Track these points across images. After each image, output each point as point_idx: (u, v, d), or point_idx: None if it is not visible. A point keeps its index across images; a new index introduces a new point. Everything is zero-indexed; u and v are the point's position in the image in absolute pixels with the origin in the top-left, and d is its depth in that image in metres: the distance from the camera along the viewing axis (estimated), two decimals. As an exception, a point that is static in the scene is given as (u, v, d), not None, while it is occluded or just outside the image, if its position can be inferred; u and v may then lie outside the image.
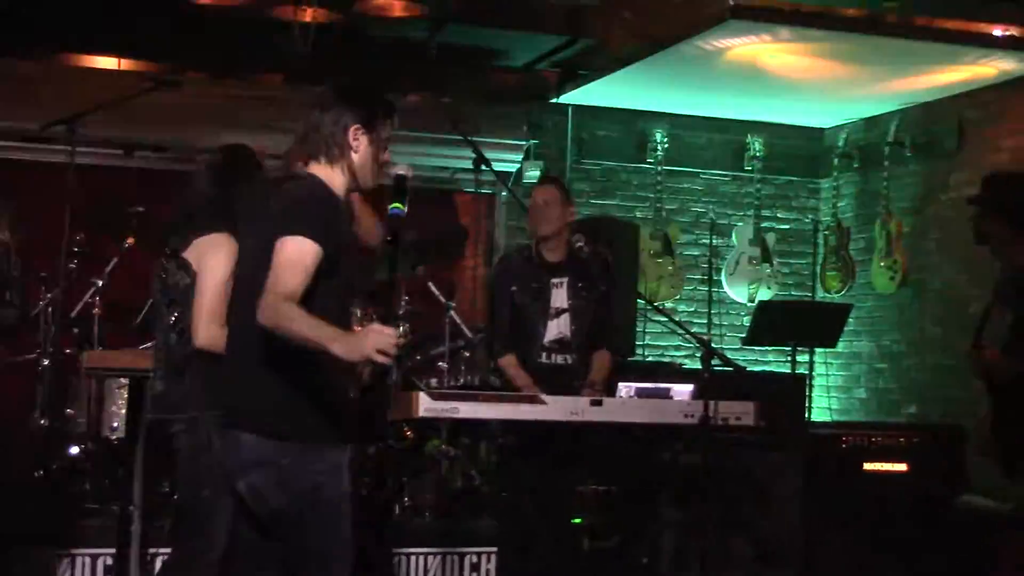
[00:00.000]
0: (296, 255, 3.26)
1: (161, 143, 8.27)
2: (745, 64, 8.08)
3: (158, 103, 7.34)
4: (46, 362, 6.68)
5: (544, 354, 5.53)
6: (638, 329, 8.91)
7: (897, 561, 6.43)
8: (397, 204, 3.35)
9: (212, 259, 4.28)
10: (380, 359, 3.08)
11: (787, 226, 10.11)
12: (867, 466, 6.63)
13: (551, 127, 9.49)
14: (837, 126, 9.90)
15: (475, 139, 6.58)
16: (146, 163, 8.44)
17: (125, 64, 8.39)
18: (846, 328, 8.31)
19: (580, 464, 5.87)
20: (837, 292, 9.60)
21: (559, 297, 5.56)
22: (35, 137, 7.13)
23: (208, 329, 4.22)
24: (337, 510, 3.46)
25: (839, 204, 9.80)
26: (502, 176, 7.91)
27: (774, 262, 9.73)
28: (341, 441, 3.41)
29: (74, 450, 6.43)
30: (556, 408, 5.12)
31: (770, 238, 9.77)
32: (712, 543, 5.84)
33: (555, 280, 5.57)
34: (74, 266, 6.85)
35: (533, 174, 9.04)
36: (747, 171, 9.82)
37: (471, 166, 6.77)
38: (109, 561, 5.56)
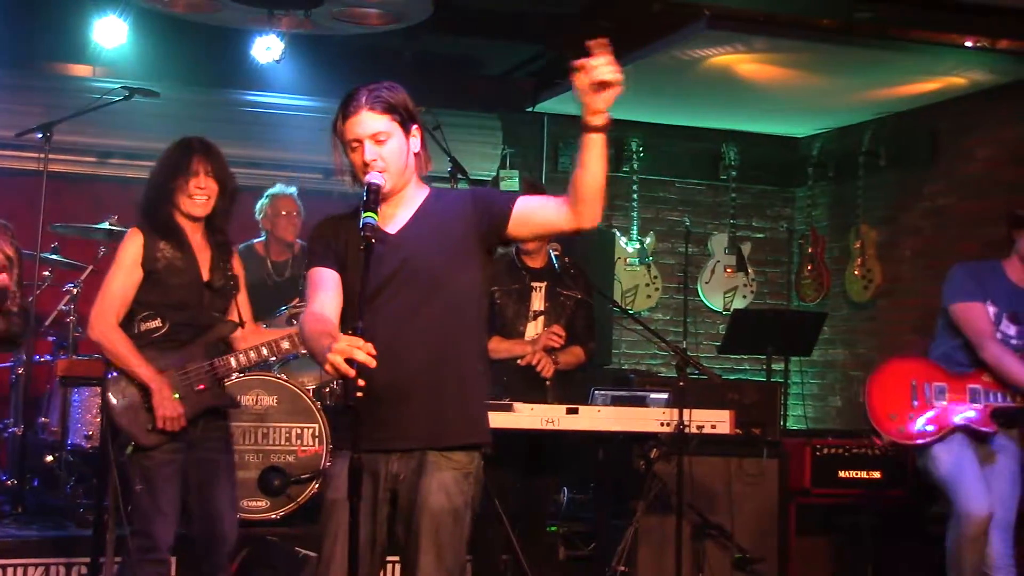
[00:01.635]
0: None
1: (135, 151, 8.23)
2: (720, 73, 8.11)
3: (133, 111, 7.35)
4: (20, 370, 6.64)
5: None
6: (614, 337, 8.95)
7: (871, 569, 6.46)
8: (370, 213, 3.31)
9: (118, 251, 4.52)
10: (340, 368, 3.08)
11: (762, 235, 10.15)
12: (842, 473, 6.67)
13: (527, 135, 9.51)
14: (812, 135, 9.95)
15: (450, 148, 6.59)
16: (120, 171, 8.40)
17: (100, 72, 8.37)
18: (821, 336, 8.38)
19: (555, 472, 5.89)
20: (812, 301, 9.65)
21: (537, 300, 5.74)
22: (10, 144, 7.11)
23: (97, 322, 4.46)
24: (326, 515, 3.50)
25: (814, 213, 9.87)
26: (478, 184, 7.92)
27: (749, 271, 9.77)
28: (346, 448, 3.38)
29: (48, 458, 6.38)
30: (531, 416, 5.15)
31: (745, 247, 9.80)
32: (688, 551, 5.85)
33: (535, 284, 5.75)
34: (48, 273, 6.83)
35: (509, 182, 9.04)
36: (722, 180, 9.86)
37: (447, 174, 6.79)
38: (84, 570, 5.53)
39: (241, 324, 4.71)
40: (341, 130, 3.51)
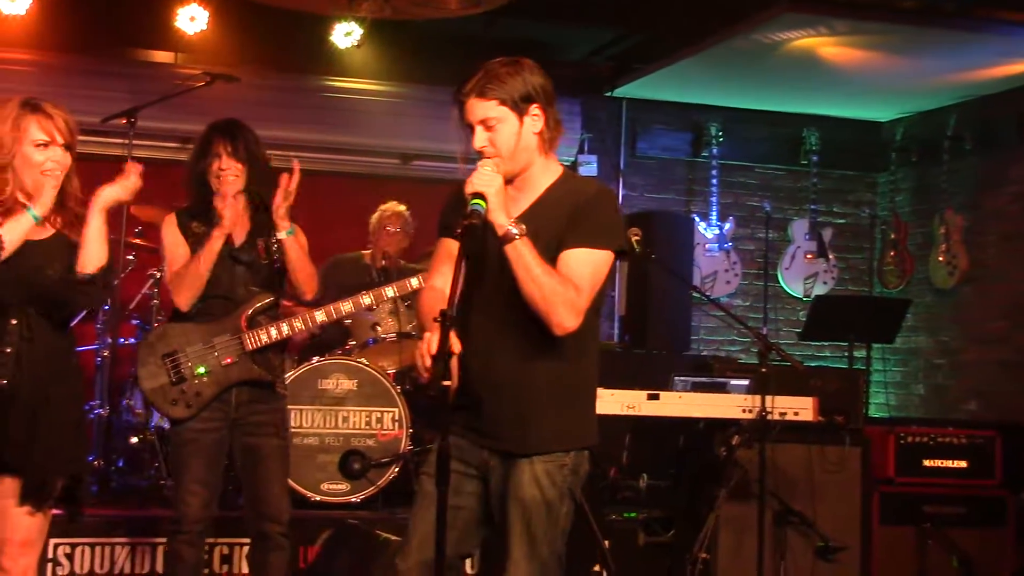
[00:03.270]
0: None
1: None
2: (801, 57, 8.02)
3: (215, 97, 7.41)
4: (105, 353, 6.74)
5: None
6: (693, 323, 8.90)
7: (957, 560, 6.36)
8: (479, 200, 3.26)
9: None
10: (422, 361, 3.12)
11: (843, 220, 10.02)
12: (927, 462, 6.57)
13: (605, 120, 9.46)
14: (895, 119, 9.80)
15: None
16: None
17: (182, 58, 8.46)
18: (904, 323, 8.25)
19: (636, 457, 5.87)
20: (894, 287, 9.51)
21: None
22: (96, 130, 7.19)
23: None
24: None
25: (896, 198, 9.72)
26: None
27: (830, 257, 9.66)
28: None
29: (133, 440, 6.48)
30: (611, 401, 5.13)
31: (826, 233, 9.69)
32: (769, 538, 5.79)
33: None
34: (132, 257, 6.92)
35: (587, 167, 9.01)
36: (803, 165, 9.74)
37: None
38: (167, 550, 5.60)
39: (280, 298, 4.72)
40: (459, 114, 3.45)
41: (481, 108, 3.39)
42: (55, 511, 3.88)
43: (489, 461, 3.47)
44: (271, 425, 4.66)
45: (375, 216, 7.33)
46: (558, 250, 3.38)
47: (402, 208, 7.34)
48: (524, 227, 3.30)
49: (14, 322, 3.77)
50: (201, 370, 4.55)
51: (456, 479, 3.32)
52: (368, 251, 7.35)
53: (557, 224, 3.40)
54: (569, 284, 3.30)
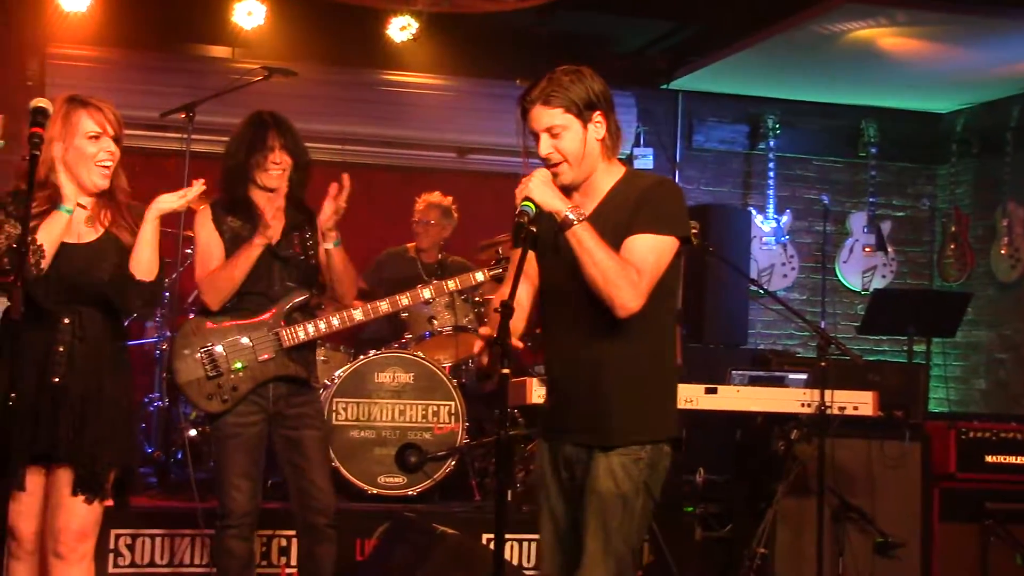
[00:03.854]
0: None
1: (274, 131, 8.38)
2: (860, 48, 7.93)
3: (272, 91, 7.44)
4: (164, 346, 6.79)
5: None
6: (749, 317, 8.84)
7: (1020, 557, 6.27)
8: (528, 203, 3.35)
9: None
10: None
11: (903, 213, 9.92)
12: (989, 458, 6.47)
13: (661, 113, 9.42)
14: (955, 111, 9.67)
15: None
16: (259, 151, 8.55)
17: (239, 53, 8.52)
18: (965, 317, 8.14)
19: (693, 452, 5.83)
20: (955, 280, 9.39)
21: None
22: (154, 125, 7.25)
23: None
24: None
25: (957, 191, 9.59)
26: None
27: (889, 250, 9.56)
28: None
29: (192, 432, 6.52)
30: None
31: (885, 225, 9.59)
32: (828, 534, 5.74)
33: None
34: (190, 251, 6.96)
35: (643, 160, 8.98)
36: (861, 157, 9.66)
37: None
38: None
39: (316, 294, 4.72)
40: (523, 121, 3.52)
41: (547, 116, 3.45)
42: (108, 502, 3.93)
43: (573, 456, 3.54)
44: (310, 416, 4.66)
45: (416, 208, 7.35)
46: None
47: (438, 198, 7.33)
48: (583, 211, 3.39)
49: (66, 321, 3.82)
50: (238, 365, 4.55)
51: (555, 485, 3.58)
52: (413, 244, 7.38)
53: (623, 216, 3.45)
54: (630, 267, 3.35)
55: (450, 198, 7.38)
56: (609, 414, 3.46)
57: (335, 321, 4.72)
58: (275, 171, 4.58)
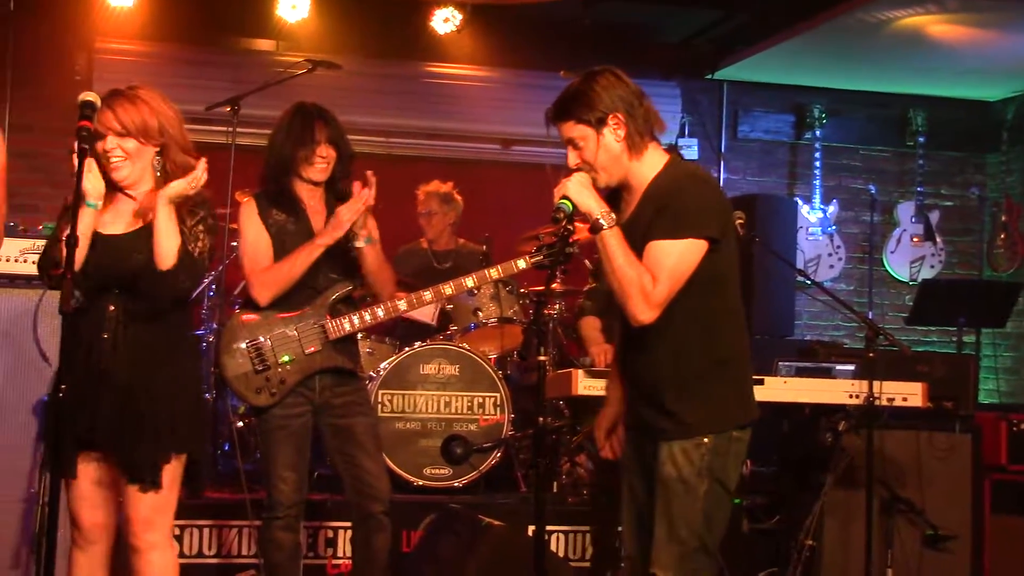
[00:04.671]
0: None
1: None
2: (910, 35, 7.86)
3: (316, 84, 7.46)
4: (211, 338, 6.82)
5: None
6: (796, 308, 8.78)
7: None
8: (565, 200, 3.47)
9: None
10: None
11: (951, 203, 9.81)
12: (1040, 450, 6.40)
13: (706, 103, 9.38)
14: (1006, 98, 9.56)
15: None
16: (304, 143, 8.60)
17: (283, 46, 8.55)
18: (1015, 307, 8.05)
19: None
20: (1005, 271, 9.28)
21: None
22: (200, 118, 7.28)
23: None
24: None
25: (1008, 179, 9.48)
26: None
27: (938, 240, 9.47)
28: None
29: (239, 424, 6.56)
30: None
31: (933, 215, 9.50)
32: (877, 526, 5.69)
33: None
34: (235, 244, 6.99)
35: (688, 151, 8.94)
36: (909, 146, 9.57)
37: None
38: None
39: (359, 285, 4.70)
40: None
41: (564, 129, 3.56)
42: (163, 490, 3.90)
43: (646, 447, 3.63)
44: (358, 404, 4.66)
45: (417, 200, 7.36)
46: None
47: (436, 186, 7.32)
48: (614, 217, 3.46)
49: (112, 308, 3.83)
50: (285, 358, 4.54)
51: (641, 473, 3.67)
52: (424, 237, 7.38)
53: (647, 218, 3.50)
54: (647, 275, 3.40)
55: (449, 184, 7.38)
56: (664, 411, 3.53)
57: (380, 312, 4.71)
58: (320, 164, 4.59)
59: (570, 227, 3.43)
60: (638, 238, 3.45)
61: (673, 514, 3.49)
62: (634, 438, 3.71)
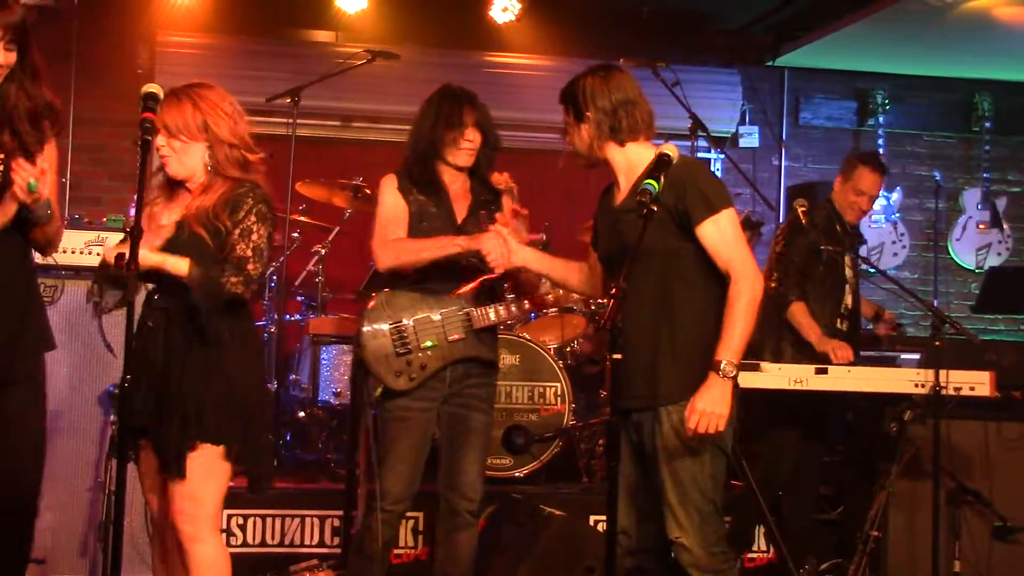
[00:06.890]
0: None
1: (377, 114, 8.43)
2: (976, 18, 7.73)
3: (375, 74, 7.49)
4: (272, 329, 6.87)
5: (838, 320, 5.75)
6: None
7: None
8: (651, 181, 3.59)
9: None
10: None
11: (1019, 189, 9.67)
12: (1112, 440, 6.27)
13: (767, 90, 9.31)
14: (1074, 82, 9.39)
15: (689, 103, 6.48)
16: (362, 133, 8.64)
17: (342, 37, 8.58)
18: (1084, 295, 7.92)
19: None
20: (1074, 258, 9.14)
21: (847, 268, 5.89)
22: (260, 110, 7.32)
23: None
24: None
25: (1077, 165, 9.33)
26: (718, 140, 7.77)
27: (1005, 227, 9.33)
28: None
29: (300, 414, 6.59)
30: (778, 376, 5.01)
31: (1000, 202, 9.36)
32: (944, 517, 5.61)
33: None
34: (297, 235, 7.03)
35: (749, 139, 8.87)
36: (975, 132, 9.44)
37: (687, 131, 6.68)
38: (336, 523, 5.69)
39: (500, 275, 4.58)
40: None
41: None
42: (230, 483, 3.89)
43: (642, 422, 3.78)
44: (481, 400, 4.56)
45: None
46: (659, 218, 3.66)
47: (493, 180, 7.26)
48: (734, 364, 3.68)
49: (156, 297, 3.85)
50: (429, 343, 4.43)
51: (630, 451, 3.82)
52: None
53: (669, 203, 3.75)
54: (742, 295, 3.66)
55: (505, 175, 7.32)
56: (658, 377, 3.72)
57: (525, 304, 4.66)
58: (467, 147, 4.49)
59: (654, 208, 3.55)
60: (634, 218, 3.63)
61: (684, 483, 3.68)
62: (618, 421, 3.67)
